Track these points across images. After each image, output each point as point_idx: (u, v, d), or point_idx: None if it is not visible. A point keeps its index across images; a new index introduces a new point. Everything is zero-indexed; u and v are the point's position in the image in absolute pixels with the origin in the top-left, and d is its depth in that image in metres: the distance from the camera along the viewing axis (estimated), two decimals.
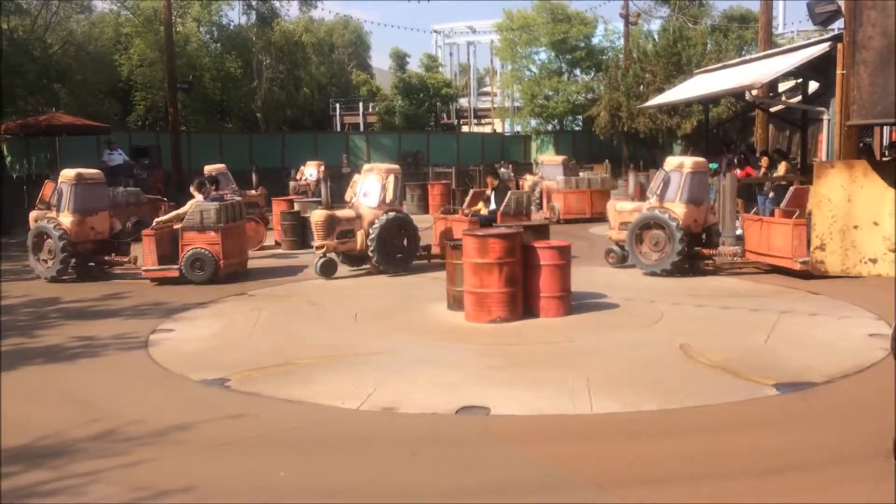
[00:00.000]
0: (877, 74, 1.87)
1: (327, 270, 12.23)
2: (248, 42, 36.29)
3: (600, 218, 23.93)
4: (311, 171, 24.63)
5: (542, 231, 10.68)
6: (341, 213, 12.69)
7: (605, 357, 7.27)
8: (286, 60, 37.40)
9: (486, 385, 6.39)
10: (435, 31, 58.97)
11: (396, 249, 12.53)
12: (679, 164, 11.97)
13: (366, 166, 13.79)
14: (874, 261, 2.01)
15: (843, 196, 2.00)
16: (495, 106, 51.19)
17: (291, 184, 24.45)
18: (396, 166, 13.44)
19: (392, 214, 12.38)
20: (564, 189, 20.65)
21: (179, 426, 5.52)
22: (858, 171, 2.00)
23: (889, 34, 1.85)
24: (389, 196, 12.52)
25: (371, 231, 12.19)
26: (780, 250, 10.89)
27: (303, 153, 32.59)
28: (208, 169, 20.85)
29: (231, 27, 37.44)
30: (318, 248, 12.37)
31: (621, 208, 12.66)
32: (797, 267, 10.40)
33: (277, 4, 37.46)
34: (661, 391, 6.12)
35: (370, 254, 12.23)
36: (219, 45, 36.57)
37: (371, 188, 12.67)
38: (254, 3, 36.49)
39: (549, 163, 23.21)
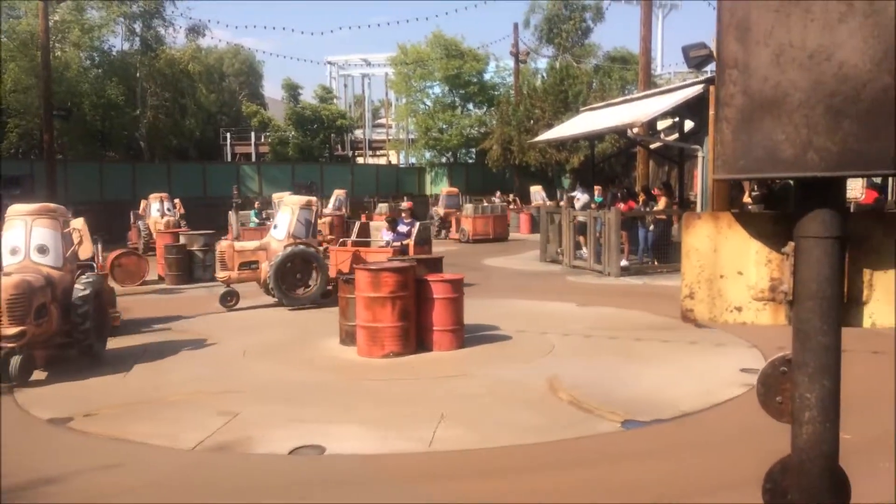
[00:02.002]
0: (739, 131, 1.98)
1: (225, 301, 12.19)
2: (131, 69, 35.01)
3: (502, 238, 24.94)
4: (155, 204, 23.52)
5: (435, 264, 10.74)
6: (245, 244, 12.79)
7: (470, 391, 7.22)
8: (172, 88, 36.28)
9: (335, 422, 6.31)
10: (329, 63, 58.85)
11: (299, 283, 12.29)
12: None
13: (285, 198, 13.62)
14: (739, 309, 2.10)
15: (710, 247, 2.09)
16: (390, 138, 51.50)
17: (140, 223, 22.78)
18: (314, 198, 13.35)
19: (294, 248, 12.17)
20: (472, 215, 25.40)
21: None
22: (723, 222, 2.10)
23: (750, 93, 1.97)
24: (293, 228, 12.35)
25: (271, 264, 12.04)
26: None
27: (192, 183, 31.62)
28: None
29: (113, 53, 36.03)
30: (220, 278, 12.35)
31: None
32: None
33: (163, 32, 36.38)
34: (512, 427, 6.10)
35: (270, 287, 12.05)
36: (100, 70, 35.07)
37: (282, 220, 12.68)
38: (138, 29, 35.31)
39: (448, 193, 28.91)
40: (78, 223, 8.74)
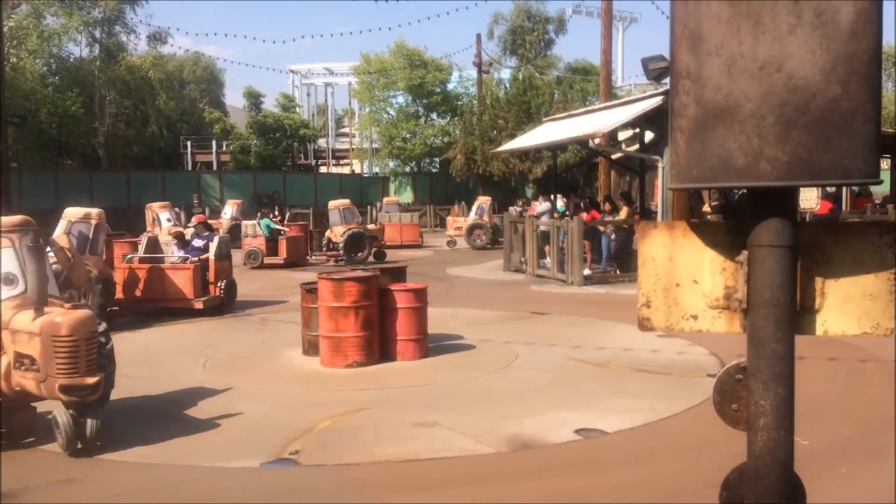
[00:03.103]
0: (692, 141, 1.99)
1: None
2: (90, 76, 34.38)
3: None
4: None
5: (398, 274, 10.69)
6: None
7: (398, 404, 7.15)
8: (132, 95, 35.71)
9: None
10: (292, 72, 58.58)
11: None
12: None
13: (66, 210, 11.76)
14: (695, 317, 2.11)
15: (666, 255, 2.10)
16: (354, 147, 51.36)
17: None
18: (95, 210, 11.96)
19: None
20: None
21: None
22: (679, 231, 2.11)
23: (703, 103, 1.98)
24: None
25: None
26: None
27: (151, 192, 31.12)
28: None
29: (71, 59, 35.36)
30: None
31: None
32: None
33: (125, 39, 35.83)
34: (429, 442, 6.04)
35: None
36: (57, 78, 34.39)
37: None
38: (99, 36, 34.71)
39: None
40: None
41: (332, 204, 23.08)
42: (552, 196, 19.98)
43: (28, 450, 5.98)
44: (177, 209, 23.09)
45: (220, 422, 6.60)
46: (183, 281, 12.42)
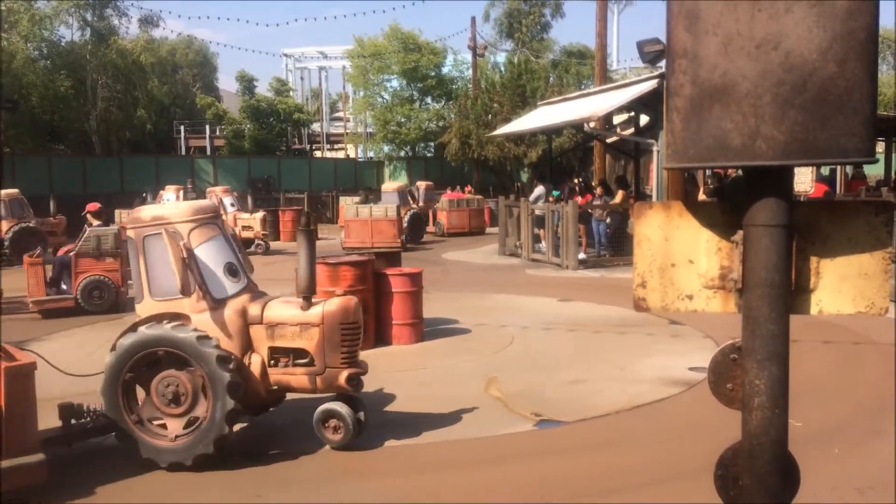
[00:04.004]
0: (689, 120, 1.98)
1: None
2: (81, 60, 34.07)
3: (478, 232, 24.49)
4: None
5: (393, 258, 10.68)
6: None
7: (402, 388, 7.12)
8: (124, 80, 35.41)
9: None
10: (285, 55, 58.18)
11: None
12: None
13: None
14: (690, 297, 2.11)
15: (661, 236, 2.10)
16: (348, 131, 51.12)
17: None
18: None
19: None
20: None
21: None
22: (674, 211, 2.11)
23: (699, 82, 1.97)
24: None
25: None
26: None
27: (144, 177, 30.98)
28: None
29: (63, 43, 35.03)
30: None
31: None
32: None
33: (117, 22, 35.48)
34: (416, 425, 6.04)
35: None
36: (49, 62, 34.08)
37: None
38: (90, 19, 34.38)
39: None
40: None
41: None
42: (544, 180, 19.95)
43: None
44: (236, 193, 22.25)
45: None
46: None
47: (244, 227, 19.55)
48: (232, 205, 20.32)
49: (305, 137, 50.13)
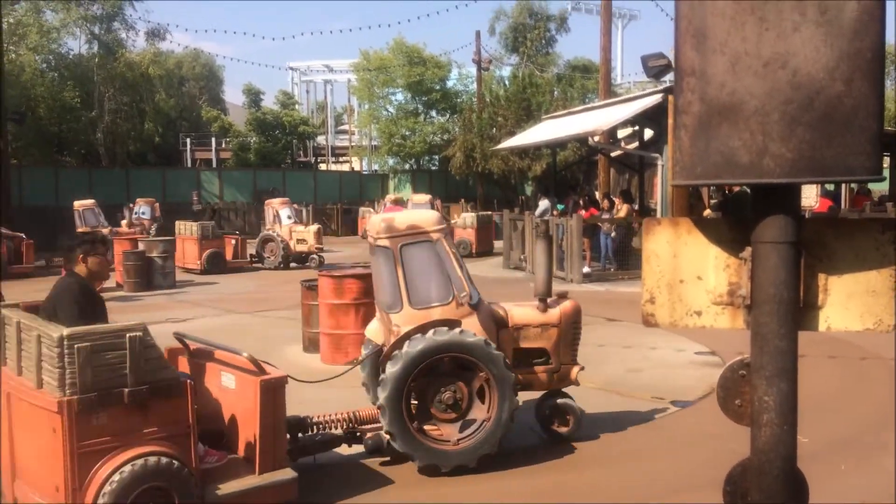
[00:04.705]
0: (697, 138, 2.00)
1: None
2: (89, 72, 34.31)
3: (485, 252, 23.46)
4: (144, 208, 23.27)
5: None
6: None
7: None
8: (131, 92, 35.64)
9: None
10: (291, 69, 58.50)
11: None
12: None
13: None
14: (699, 313, 2.12)
15: (670, 252, 2.11)
16: (353, 144, 51.29)
17: (124, 222, 22.42)
18: None
19: None
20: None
21: None
22: (683, 228, 2.12)
23: (707, 100, 1.99)
24: None
25: None
26: None
27: (150, 189, 31.11)
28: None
29: (70, 56, 35.30)
30: None
31: None
32: None
33: (124, 35, 35.74)
34: None
35: None
36: (56, 74, 34.33)
37: None
38: (98, 32, 34.65)
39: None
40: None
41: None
42: (549, 193, 19.96)
43: None
44: (295, 206, 21.73)
45: None
46: None
47: (299, 241, 19.10)
48: (289, 217, 19.72)
49: (310, 150, 50.32)
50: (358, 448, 5.54)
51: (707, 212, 17.52)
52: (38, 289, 15.10)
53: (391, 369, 5.16)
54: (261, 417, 4.38)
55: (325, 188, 39.44)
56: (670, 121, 13.35)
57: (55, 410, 3.75)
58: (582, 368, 5.87)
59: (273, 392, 4.46)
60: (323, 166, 51.45)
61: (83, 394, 3.75)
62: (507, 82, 38.12)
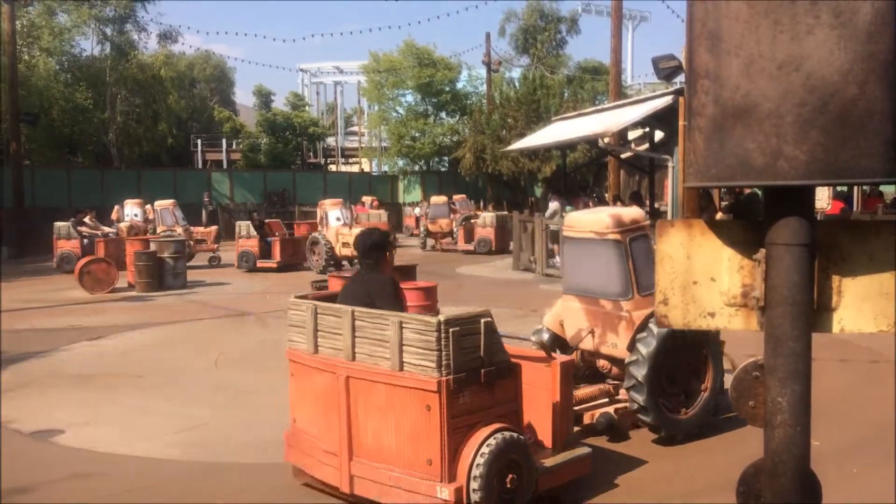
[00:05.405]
0: (711, 140, 2.00)
1: None
2: (101, 74, 34.54)
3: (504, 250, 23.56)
4: (133, 210, 23.24)
5: (408, 272, 10.70)
6: None
7: None
8: (143, 94, 35.86)
9: None
10: (301, 70, 58.71)
11: None
12: None
13: None
14: (713, 314, 2.13)
15: (683, 254, 2.12)
16: (363, 145, 51.39)
17: (122, 224, 22.24)
18: None
19: None
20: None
21: None
22: (696, 229, 2.13)
23: (721, 102, 2.00)
24: None
25: None
26: None
27: (162, 190, 31.28)
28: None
29: (83, 57, 35.55)
30: None
31: None
32: None
33: (136, 37, 35.98)
34: None
35: None
36: (69, 75, 34.57)
37: None
38: (110, 34, 34.88)
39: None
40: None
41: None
42: (559, 194, 19.93)
43: None
44: (346, 207, 21.09)
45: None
46: None
47: (344, 244, 18.28)
48: (338, 219, 19.18)
49: (320, 151, 50.47)
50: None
51: (720, 214, 17.47)
52: (39, 289, 15.27)
53: (646, 349, 5.68)
54: (561, 398, 4.84)
55: (334, 189, 39.53)
56: (681, 123, 13.31)
57: (433, 390, 4.10)
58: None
59: (567, 374, 4.94)
60: (333, 167, 51.58)
61: (456, 374, 4.15)
62: (517, 84, 38.13)
